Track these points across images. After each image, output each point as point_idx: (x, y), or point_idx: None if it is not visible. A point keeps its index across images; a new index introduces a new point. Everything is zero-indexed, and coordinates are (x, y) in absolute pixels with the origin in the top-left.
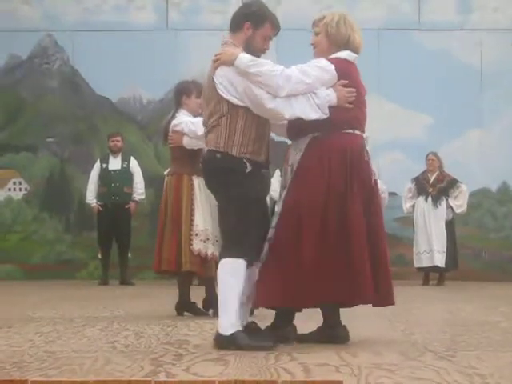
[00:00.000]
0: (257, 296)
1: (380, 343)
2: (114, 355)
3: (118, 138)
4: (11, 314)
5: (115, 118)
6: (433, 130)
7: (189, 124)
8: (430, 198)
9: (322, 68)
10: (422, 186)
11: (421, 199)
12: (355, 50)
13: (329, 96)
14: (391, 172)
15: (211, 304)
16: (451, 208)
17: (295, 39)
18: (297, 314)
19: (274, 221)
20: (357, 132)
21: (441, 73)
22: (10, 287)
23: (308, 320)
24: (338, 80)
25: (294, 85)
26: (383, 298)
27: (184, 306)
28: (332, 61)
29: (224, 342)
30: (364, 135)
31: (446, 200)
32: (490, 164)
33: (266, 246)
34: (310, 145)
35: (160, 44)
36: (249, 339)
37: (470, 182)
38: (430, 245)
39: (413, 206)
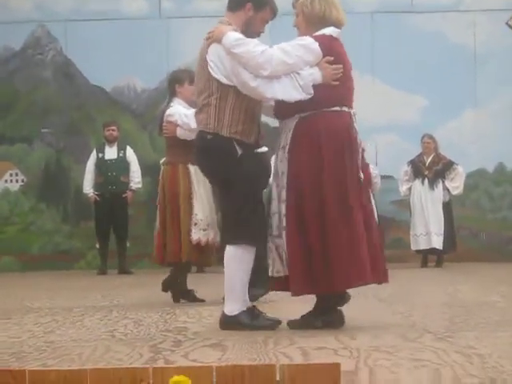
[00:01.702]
0: (291, 286)
1: (379, 325)
2: (113, 343)
3: (114, 128)
4: (10, 304)
5: (110, 107)
6: (428, 111)
7: (182, 116)
8: (426, 181)
9: (305, 46)
10: (418, 169)
11: (417, 182)
12: (337, 25)
13: (312, 75)
14: (387, 155)
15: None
16: (448, 190)
17: (288, 24)
18: (290, 298)
19: (283, 208)
20: (344, 109)
21: (435, 54)
22: (8, 278)
23: (299, 302)
24: (324, 57)
25: (275, 65)
26: (380, 275)
27: (181, 293)
28: (317, 38)
29: (229, 322)
30: (352, 111)
31: (443, 182)
32: (486, 145)
33: (283, 235)
34: (299, 125)
35: (153, 32)
36: (251, 319)
37: (466, 164)
38: (427, 227)
39: (409, 189)
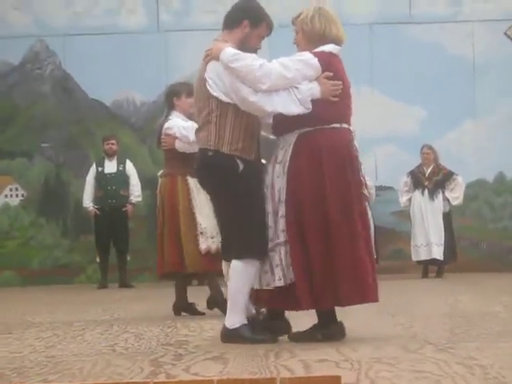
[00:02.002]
0: (301, 300)
1: (380, 337)
2: (114, 358)
3: (113, 141)
4: (11, 319)
5: (109, 121)
6: (427, 122)
7: (181, 129)
8: (426, 191)
9: (304, 61)
10: (417, 180)
11: (417, 193)
12: (337, 42)
13: (311, 90)
14: (386, 166)
15: (217, 303)
16: (448, 200)
17: (288, 36)
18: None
19: (282, 223)
20: (344, 126)
21: (433, 65)
22: (8, 293)
23: (304, 315)
24: (323, 72)
25: (274, 79)
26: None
27: (182, 307)
28: (316, 54)
29: (230, 335)
30: (351, 128)
31: (443, 192)
32: (486, 155)
33: (283, 249)
34: (298, 141)
35: (152, 46)
36: (252, 333)
37: (465, 174)
38: (428, 238)
39: (409, 200)
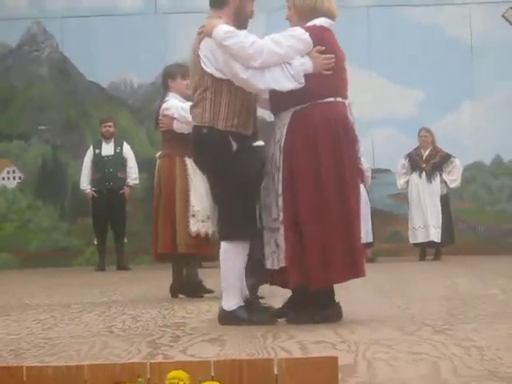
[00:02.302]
0: (289, 279)
1: (377, 319)
2: (112, 339)
3: (110, 124)
4: (8, 302)
5: (106, 103)
6: (425, 104)
7: (179, 109)
8: (423, 174)
9: (296, 37)
10: (415, 162)
11: (414, 175)
12: (329, 16)
13: (303, 65)
14: (384, 149)
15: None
16: (445, 183)
17: (284, 19)
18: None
19: (280, 201)
20: (338, 99)
21: (431, 47)
22: (6, 276)
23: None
24: (314, 47)
25: (266, 56)
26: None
27: (178, 288)
28: (307, 29)
29: (227, 318)
30: (346, 102)
31: (440, 175)
32: (483, 137)
33: (281, 229)
34: (294, 119)
35: (149, 28)
36: (249, 314)
37: (463, 156)
38: (425, 220)
39: (407, 182)
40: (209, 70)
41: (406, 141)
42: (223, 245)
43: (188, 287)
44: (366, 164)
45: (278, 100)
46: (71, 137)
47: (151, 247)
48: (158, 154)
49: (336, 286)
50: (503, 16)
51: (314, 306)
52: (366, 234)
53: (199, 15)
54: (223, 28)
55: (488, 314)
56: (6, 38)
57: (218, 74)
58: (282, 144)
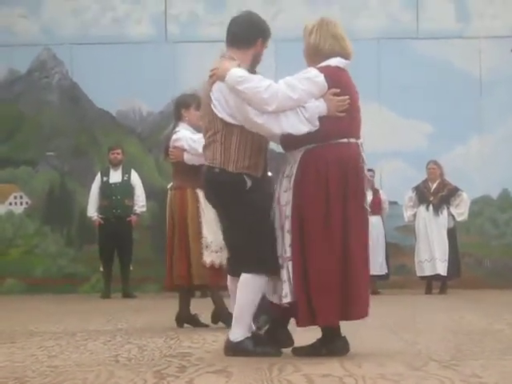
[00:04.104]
0: (299, 316)
1: (384, 353)
2: (117, 369)
3: (119, 151)
4: (14, 328)
5: (115, 130)
6: (433, 138)
7: (189, 141)
8: (431, 207)
9: (310, 79)
10: (422, 195)
11: (422, 208)
12: (344, 56)
13: (318, 108)
14: (392, 181)
15: (221, 317)
16: (452, 216)
17: (294, 50)
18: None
19: (289, 238)
20: (351, 140)
21: (440, 81)
22: (12, 301)
23: (309, 329)
24: (329, 89)
25: (281, 101)
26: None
27: (184, 318)
28: (322, 69)
29: (233, 349)
30: (359, 142)
31: (447, 208)
32: (491, 171)
33: (290, 265)
34: (305, 157)
35: (159, 56)
36: (255, 346)
37: (470, 190)
38: (432, 253)
39: (414, 215)
40: (220, 115)
41: (413, 173)
42: (244, 277)
43: (227, 317)
44: (383, 196)
45: (290, 139)
46: (79, 163)
47: (157, 275)
48: (169, 186)
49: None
50: None
51: (320, 339)
52: (380, 265)
53: (209, 44)
54: (237, 72)
55: (495, 349)
56: (16, 65)
57: (228, 119)
58: (292, 180)
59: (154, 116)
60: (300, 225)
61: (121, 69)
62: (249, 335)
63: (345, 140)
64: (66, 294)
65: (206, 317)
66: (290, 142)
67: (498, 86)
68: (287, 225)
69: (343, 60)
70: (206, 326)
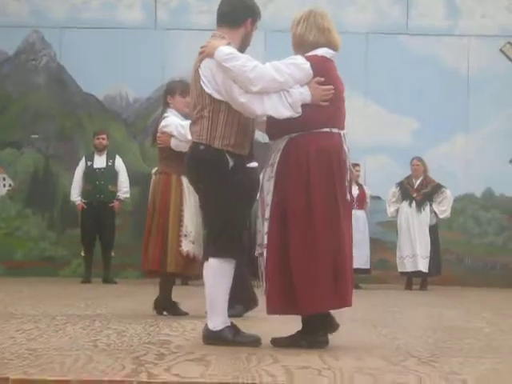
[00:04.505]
0: (266, 304)
1: (363, 347)
2: (96, 354)
3: (104, 136)
4: None
5: (101, 115)
6: (418, 134)
7: (178, 127)
8: (413, 203)
9: (297, 65)
10: (406, 191)
11: (405, 204)
12: (332, 47)
13: (302, 95)
14: (376, 176)
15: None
16: (435, 213)
17: (283, 40)
18: (275, 317)
19: (266, 226)
20: (334, 130)
21: (428, 77)
22: None
23: (291, 320)
24: (314, 77)
25: (266, 82)
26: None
27: (164, 305)
28: (308, 58)
29: (212, 337)
30: (342, 132)
31: (430, 205)
32: (475, 169)
33: (265, 253)
34: (288, 145)
35: (148, 42)
36: (234, 335)
37: (454, 187)
38: (414, 249)
39: (397, 211)
40: (208, 91)
41: (397, 169)
42: (209, 261)
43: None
44: (367, 191)
45: (275, 126)
46: (64, 147)
47: (138, 261)
48: (153, 170)
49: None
50: (501, 50)
51: (300, 331)
52: (365, 260)
53: (199, 32)
54: (225, 49)
55: (474, 347)
56: (4, 46)
57: (216, 95)
58: (275, 168)
59: (140, 102)
60: (282, 213)
61: (109, 54)
62: (228, 324)
63: (327, 129)
64: (46, 278)
65: (185, 305)
66: (274, 130)
67: (486, 85)
68: (266, 213)
69: (330, 51)
70: (186, 314)
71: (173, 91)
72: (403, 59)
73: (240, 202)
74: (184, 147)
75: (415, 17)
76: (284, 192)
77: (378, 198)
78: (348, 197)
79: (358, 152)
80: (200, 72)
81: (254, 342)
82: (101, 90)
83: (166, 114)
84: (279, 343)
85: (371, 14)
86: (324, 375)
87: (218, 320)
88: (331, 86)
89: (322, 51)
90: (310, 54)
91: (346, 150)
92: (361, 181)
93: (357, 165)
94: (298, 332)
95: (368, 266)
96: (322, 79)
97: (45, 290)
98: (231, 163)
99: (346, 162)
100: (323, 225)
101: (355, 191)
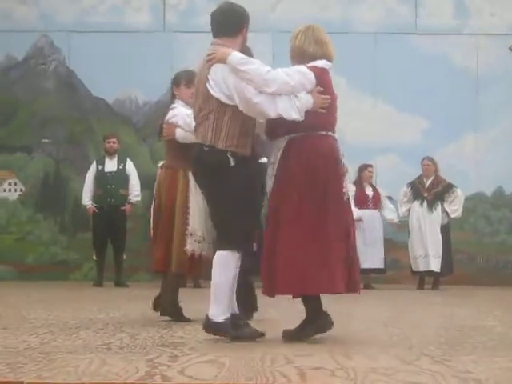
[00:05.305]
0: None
1: (376, 347)
2: (109, 357)
3: (114, 140)
4: (6, 314)
5: (111, 119)
6: (429, 133)
7: (185, 117)
8: (425, 203)
9: (303, 74)
10: (417, 191)
11: (416, 204)
12: (329, 59)
13: (308, 102)
14: (387, 176)
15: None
16: (446, 212)
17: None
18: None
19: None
20: (329, 133)
21: (437, 77)
22: (4, 288)
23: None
24: (316, 86)
25: (280, 85)
26: (354, 286)
27: (169, 310)
28: (311, 68)
29: (212, 327)
30: (335, 136)
31: (442, 205)
32: (486, 168)
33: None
34: (289, 145)
35: (157, 45)
36: (234, 328)
37: (465, 187)
38: (426, 249)
39: (408, 211)
40: (216, 95)
41: (408, 169)
42: (218, 254)
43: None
44: (380, 190)
45: (275, 128)
46: (74, 151)
47: (150, 264)
48: (160, 164)
49: (333, 311)
50: (510, 48)
51: (305, 319)
52: (380, 260)
53: (207, 35)
54: (239, 54)
55: (486, 346)
56: (13, 51)
57: (223, 99)
58: (276, 167)
59: (150, 105)
60: (275, 207)
61: (118, 57)
62: (228, 315)
63: (323, 132)
64: (58, 282)
65: (197, 308)
66: (274, 131)
67: (495, 84)
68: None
69: (328, 63)
70: (189, 321)
71: (178, 82)
72: (412, 59)
73: (243, 197)
74: (190, 139)
75: (424, 16)
76: (282, 190)
77: (390, 197)
78: (344, 194)
79: (368, 152)
80: (209, 77)
81: (252, 335)
82: (110, 94)
83: (173, 105)
84: (288, 335)
85: (379, 13)
86: (337, 375)
87: (219, 310)
88: (329, 96)
89: (321, 63)
90: (311, 64)
91: (341, 150)
92: (372, 181)
93: (370, 165)
94: (304, 321)
95: (383, 266)
96: (322, 89)
97: (57, 293)
98: (232, 163)
99: (340, 160)
100: (312, 218)
101: (369, 192)
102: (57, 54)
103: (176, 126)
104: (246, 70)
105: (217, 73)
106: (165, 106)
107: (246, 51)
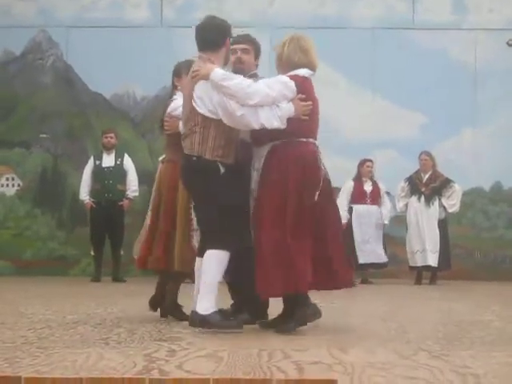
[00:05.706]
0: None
1: (373, 342)
2: (107, 351)
3: (112, 135)
4: (3, 309)
5: (109, 114)
6: (427, 128)
7: None
8: (422, 198)
9: (284, 84)
10: (414, 186)
11: (414, 198)
12: (311, 68)
13: (289, 110)
14: (384, 171)
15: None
16: (444, 207)
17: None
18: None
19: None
20: (310, 140)
21: (435, 72)
22: (1, 283)
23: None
24: (297, 95)
25: (261, 97)
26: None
27: (170, 310)
28: (292, 77)
29: (199, 320)
30: (316, 142)
31: (439, 199)
32: (484, 163)
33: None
34: (271, 152)
35: (154, 41)
36: (221, 320)
37: (463, 181)
38: (423, 244)
39: (406, 205)
40: (201, 111)
41: (406, 164)
42: (211, 252)
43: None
44: (381, 186)
45: (259, 136)
46: (72, 146)
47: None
48: (160, 158)
49: (332, 307)
50: (508, 43)
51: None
52: (379, 254)
53: None
54: (220, 71)
55: (484, 340)
56: (11, 45)
57: (208, 114)
58: (260, 173)
59: (148, 101)
60: (256, 211)
61: (116, 53)
62: (216, 309)
63: (304, 139)
64: (55, 277)
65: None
66: (258, 138)
67: (493, 79)
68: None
69: (309, 71)
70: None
71: (179, 72)
72: (410, 54)
73: (233, 203)
74: None
75: (421, 11)
76: (262, 192)
77: (387, 193)
78: (316, 197)
79: (366, 148)
80: (194, 94)
81: (238, 324)
82: (108, 89)
83: (174, 97)
84: (265, 325)
85: (377, 9)
86: (335, 370)
87: (207, 304)
88: (310, 103)
89: (303, 72)
90: (292, 73)
91: (320, 156)
92: (373, 176)
93: (369, 160)
94: (281, 315)
95: (382, 260)
96: (303, 96)
97: (54, 289)
98: (222, 170)
99: (319, 165)
100: (293, 220)
101: (368, 187)
102: (55, 49)
103: (179, 118)
104: (228, 85)
105: (201, 90)
106: (163, 102)
107: (253, 76)
